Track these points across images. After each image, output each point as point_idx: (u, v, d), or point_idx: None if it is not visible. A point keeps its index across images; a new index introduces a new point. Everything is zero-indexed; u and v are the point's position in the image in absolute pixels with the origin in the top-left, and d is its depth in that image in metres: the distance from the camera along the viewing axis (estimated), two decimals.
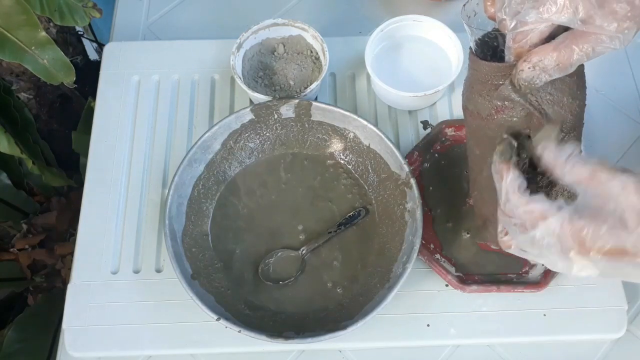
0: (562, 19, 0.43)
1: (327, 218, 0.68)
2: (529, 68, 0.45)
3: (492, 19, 0.50)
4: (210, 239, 0.67)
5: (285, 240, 0.67)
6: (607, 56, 0.85)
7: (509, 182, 0.44)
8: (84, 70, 1.16)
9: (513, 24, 0.45)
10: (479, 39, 0.52)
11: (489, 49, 0.52)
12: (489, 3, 0.49)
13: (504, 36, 0.48)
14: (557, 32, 0.45)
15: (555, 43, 0.44)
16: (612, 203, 0.39)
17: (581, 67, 0.51)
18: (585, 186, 0.41)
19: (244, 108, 0.68)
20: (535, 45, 0.45)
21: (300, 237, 0.67)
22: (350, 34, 0.82)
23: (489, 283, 0.63)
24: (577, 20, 0.42)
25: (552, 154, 0.43)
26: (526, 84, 0.46)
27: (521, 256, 0.47)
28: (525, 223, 0.42)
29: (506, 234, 0.47)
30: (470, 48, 0.52)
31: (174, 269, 0.61)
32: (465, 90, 0.54)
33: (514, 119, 0.50)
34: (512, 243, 0.47)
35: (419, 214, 0.62)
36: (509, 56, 0.48)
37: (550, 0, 0.43)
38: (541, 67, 0.45)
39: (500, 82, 0.49)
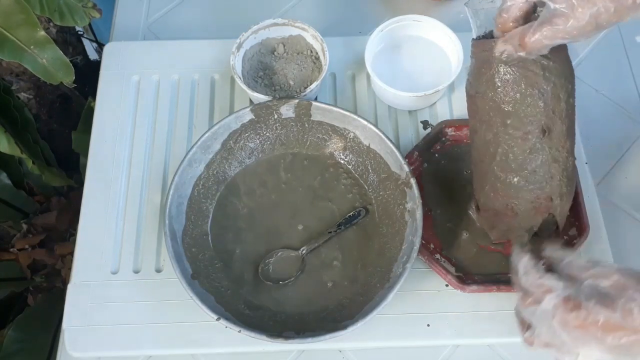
0: None
1: (327, 218, 0.68)
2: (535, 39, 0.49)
3: None
4: (210, 239, 0.67)
5: (285, 240, 0.67)
6: (607, 56, 0.86)
7: (526, 260, 0.48)
8: (84, 70, 1.16)
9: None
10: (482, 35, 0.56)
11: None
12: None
13: None
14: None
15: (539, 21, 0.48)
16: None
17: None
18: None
19: (244, 108, 0.68)
20: (516, 20, 0.50)
21: (300, 237, 0.67)
22: (350, 34, 0.82)
23: (489, 283, 0.63)
24: None
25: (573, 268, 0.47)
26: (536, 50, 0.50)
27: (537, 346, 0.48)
28: (536, 296, 0.45)
29: (527, 328, 0.49)
30: (473, 38, 0.55)
31: (174, 269, 0.61)
32: (474, 80, 0.56)
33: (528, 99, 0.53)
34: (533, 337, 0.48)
35: (419, 214, 0.62)
36: (496, 32, 0.52)
37: None
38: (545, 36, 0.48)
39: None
